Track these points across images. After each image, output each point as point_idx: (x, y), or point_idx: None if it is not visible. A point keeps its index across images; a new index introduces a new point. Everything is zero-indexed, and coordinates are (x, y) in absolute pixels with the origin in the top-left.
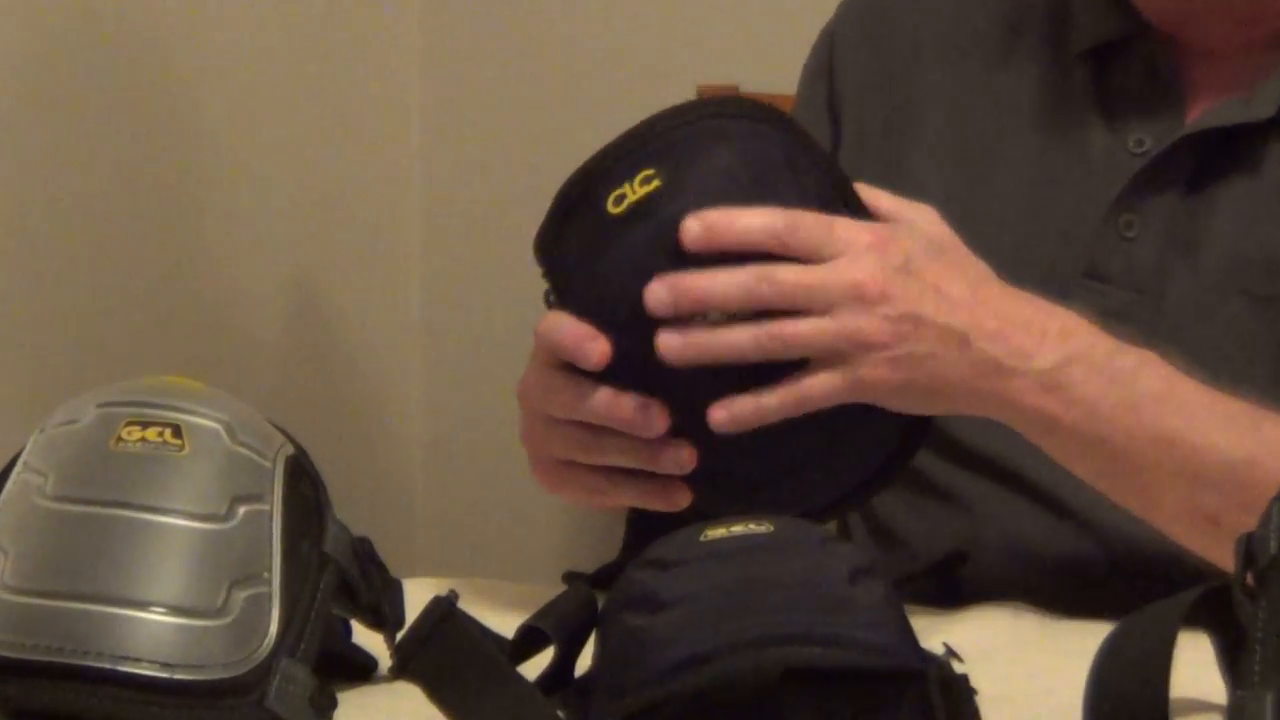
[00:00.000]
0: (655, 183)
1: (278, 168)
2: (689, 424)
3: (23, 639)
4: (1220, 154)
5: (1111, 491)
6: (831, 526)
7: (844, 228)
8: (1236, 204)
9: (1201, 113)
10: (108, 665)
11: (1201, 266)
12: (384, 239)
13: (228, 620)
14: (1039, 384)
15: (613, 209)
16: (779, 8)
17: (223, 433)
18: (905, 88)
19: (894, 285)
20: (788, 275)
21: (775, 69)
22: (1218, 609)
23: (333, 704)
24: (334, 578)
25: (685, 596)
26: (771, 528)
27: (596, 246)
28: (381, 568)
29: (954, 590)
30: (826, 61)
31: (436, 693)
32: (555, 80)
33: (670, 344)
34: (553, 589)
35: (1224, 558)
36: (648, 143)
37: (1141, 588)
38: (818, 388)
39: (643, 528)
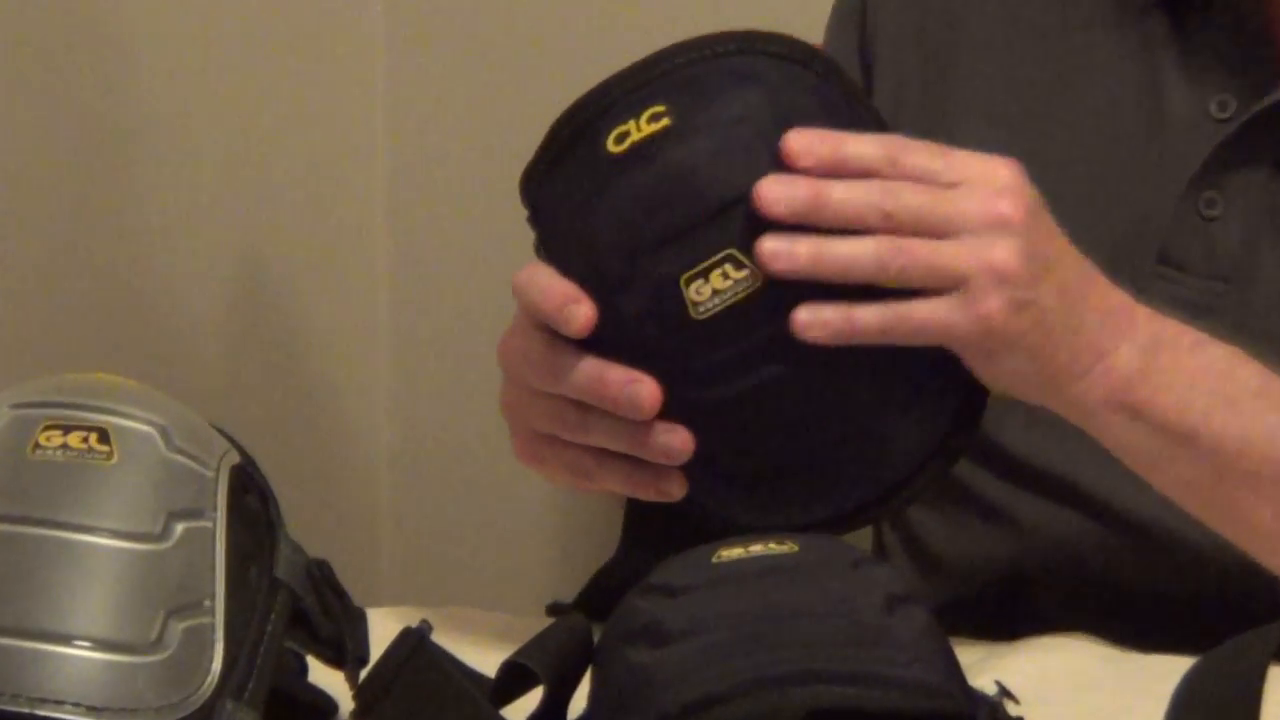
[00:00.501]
0: (664, 121)
1: (224, 138)
2: (686, 404)
3: None
4: None
5: (1197, 505)
6: (866, 546)
7: (964, 156)
8: None
9: None
10: (25, 709)
11: None
12: (346, 218)
13: (163, 656)
14: (1126, 369)
15: (613, 147)
16: None
17: (157, 438)
18: (948, 36)
19: (1033, 220)
20: (915, 193)
21: (800, 11)
22: None
23: None
24: (287, 606)
25: (696, 628)
26: (795, 547)
27: (589, 190)
28: (342, 595)
29: (1006, 620)
30: (859, 2)
31: None
32: (536, 43)
33: (775, 249)
34: (540, 620)
35: None
36: (661, 75)
37: (1225, 617)
38: (928, 312)
39: (641, 524)
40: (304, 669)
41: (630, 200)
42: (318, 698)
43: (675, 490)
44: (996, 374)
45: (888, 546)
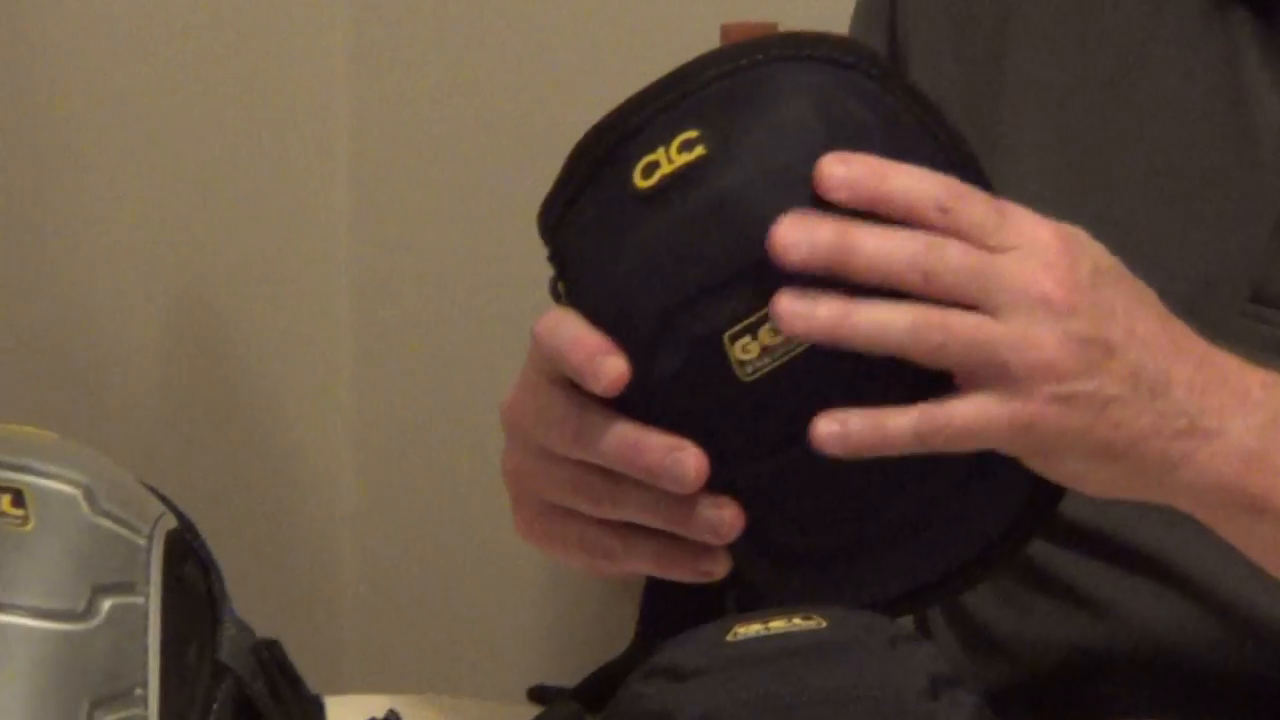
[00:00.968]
0: (698, 150)
1: (163, 153)
2: (732, 475)
3: None
4: None
5: None
6: (906, 621)
7: (1020, 216)
8: None
9: None
10: None
11: None
12: (303, 245)
13: None
14: (1240, 452)
15: (640, 181)
16: None
17: (80, 500)
18: (994, 30)
19: (1083, 299)
20: (961, 254)
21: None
22: None
23: None
24: (231, 695)
25: (708, 716)
26: (824, 623)
27: (616, 231)
28: (296, 681)
29: (1074, 709)
30: None
31: None
32: (511, 57)
33: (792, 309)
34: (524, 708)
35: None
36: (691, 93)
37: None
38: (967, 416)
39: (662, 608)
40: None
41: (662, 244)
42: None
43: (719, 569)
44: (1065, 477)
45: (931, 623)
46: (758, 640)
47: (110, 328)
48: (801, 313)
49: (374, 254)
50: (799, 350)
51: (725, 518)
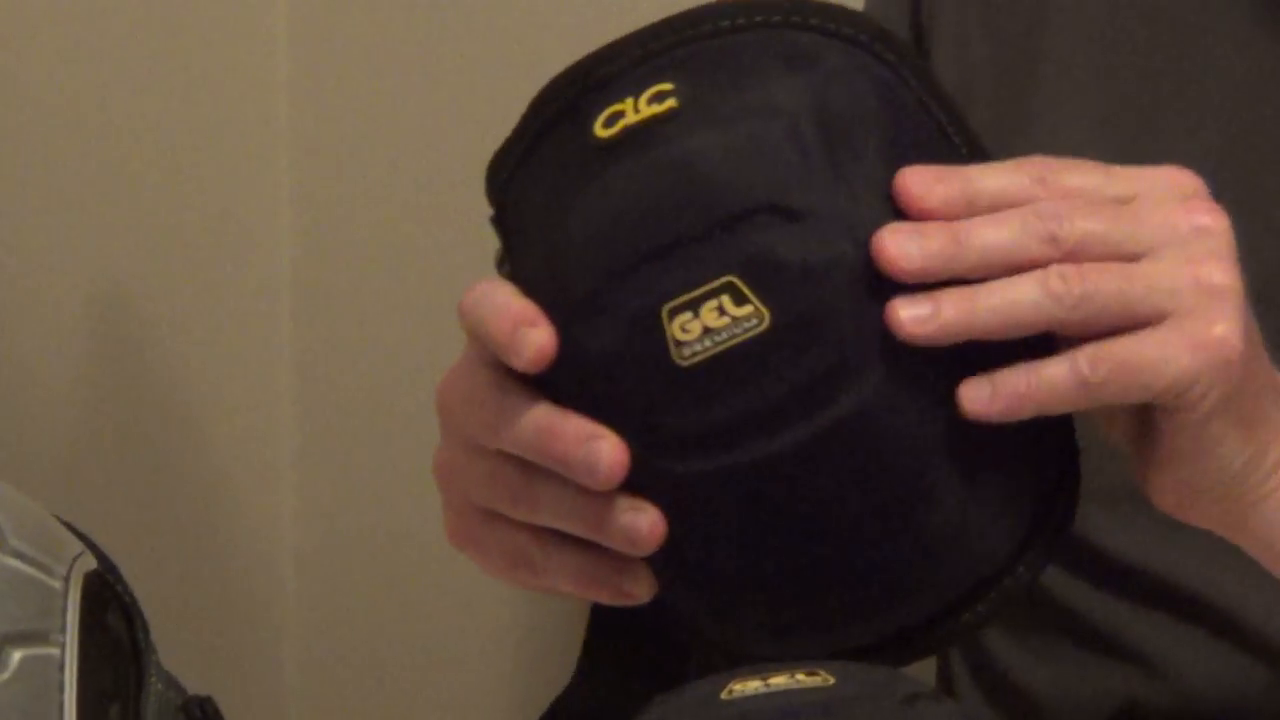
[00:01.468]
0: (669, 102)
1: (86, 150)
2: (657, 476)
3: None
4: None
5: None
6: (926, 676)
7: (1126, 170)
8: None
9: None
10: None
11: None
12: (242, 254)
13: None
14: None
15: (601, 131)
16: None
17: None
18: (1031, 14)
19: (1232, 239)
20: (1087, 209)
21: None
22: None
23: None
24: None
25: None
26: (830, 679)
27: (566, 186)
28: None
29: None
30: None
31: None
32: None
33: (916, 315)
34: None
35: None
36: (675, 45)
37: None
38: (1147, 348)
39: (604, 635)
40: None
41: (612, 201)
42: None
43: (639, 591)
44: (1200, 444)
45: (954, 677)
46: (756, 699)
47: (17, 335)
48: (925, 316)
49: (316, 256)
50: (743, 336)
51: (642, 523)
